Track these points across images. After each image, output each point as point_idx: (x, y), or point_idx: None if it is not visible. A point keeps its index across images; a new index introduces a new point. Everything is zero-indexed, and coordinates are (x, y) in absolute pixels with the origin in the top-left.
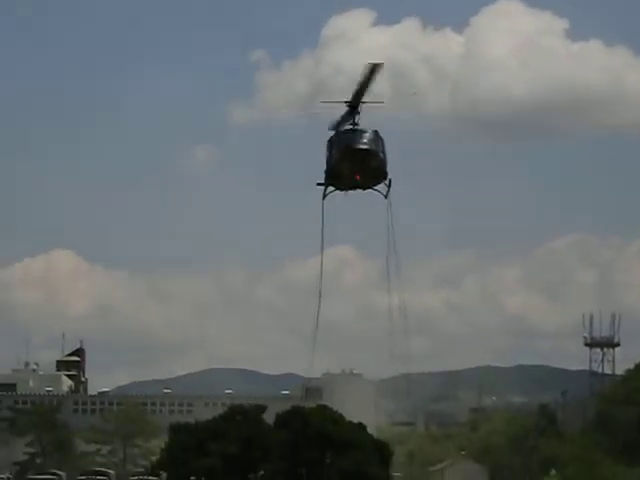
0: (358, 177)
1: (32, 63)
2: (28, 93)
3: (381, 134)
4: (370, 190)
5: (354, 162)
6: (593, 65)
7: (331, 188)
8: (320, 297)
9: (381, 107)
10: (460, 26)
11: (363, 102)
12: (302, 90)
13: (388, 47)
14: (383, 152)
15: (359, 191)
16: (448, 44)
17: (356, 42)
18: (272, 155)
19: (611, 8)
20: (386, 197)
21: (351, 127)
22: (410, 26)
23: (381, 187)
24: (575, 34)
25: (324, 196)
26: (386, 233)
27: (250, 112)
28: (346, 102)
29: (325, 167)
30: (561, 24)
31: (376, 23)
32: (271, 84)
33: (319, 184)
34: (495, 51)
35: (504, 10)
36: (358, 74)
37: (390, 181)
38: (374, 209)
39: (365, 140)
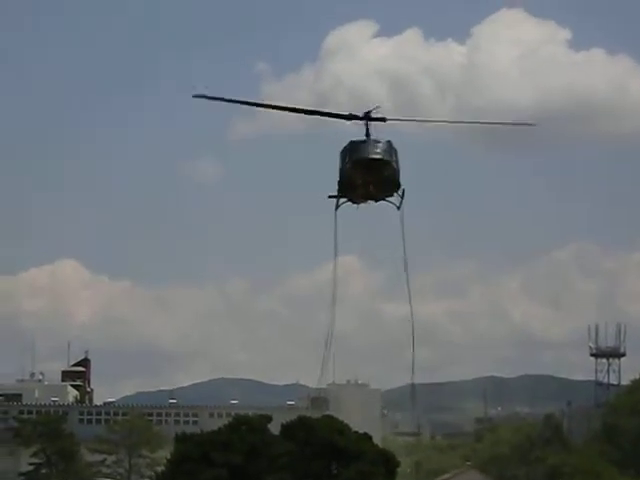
0: (371, 188)
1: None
2: (30, 101)
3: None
4: (383, 202)
5: (367, 172)
6: (596, 74)
7: (343, 199)
8: (334, 307)
9: (385, 117)
10: (462, 36)
11: (369, 112)
12: (305, 102)
13: (390, 58)
14: (397, 162)
15: (369, 202)
16: (450, 54)
17: (357, 54)
18: (275, 167)
19: (613, 17)
20: (399, 208)
21: (365, 137)
22: (412, 37)
23: (394, 198)
24: (577, 43)
25: (337, 207)
26: (392, 244)
27: (253, 125)
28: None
29: (338, 178)
30: (563, 33)
31: (378, 34)
32: (273, 96)
33: (331, 196)
34: (498, 61)
35: (506, 20)
36: (359, 85)
37: (403, 192)
38: (377, 220)
39: (379, 150)
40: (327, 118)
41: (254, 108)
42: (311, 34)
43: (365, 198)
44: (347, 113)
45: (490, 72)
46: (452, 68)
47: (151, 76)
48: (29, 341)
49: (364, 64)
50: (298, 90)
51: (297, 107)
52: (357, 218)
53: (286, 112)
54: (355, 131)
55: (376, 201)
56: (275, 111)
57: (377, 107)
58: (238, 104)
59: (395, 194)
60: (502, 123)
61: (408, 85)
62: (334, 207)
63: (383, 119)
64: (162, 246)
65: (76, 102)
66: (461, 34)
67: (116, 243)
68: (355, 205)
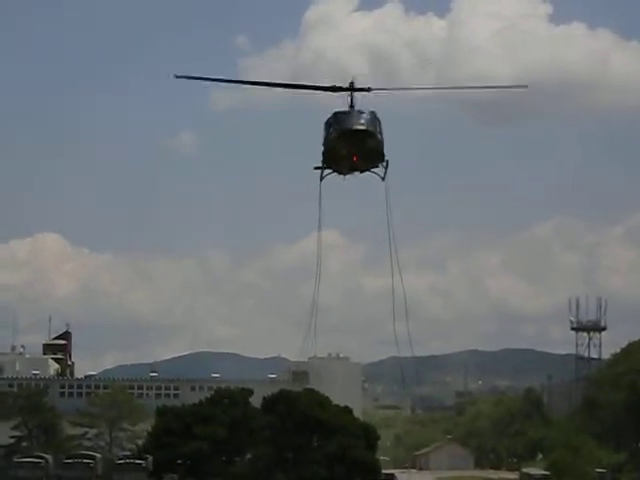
0: (355, 159)
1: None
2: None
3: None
4: (367, 173)
5: (352, 143)
6: (576, 48)
7: (328, 170)
8: (318, 280)
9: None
10: (442, 10)
11: (353, 83)
12: (285, 75)
13: (370, 32)
14: (380, 133)
15: (354, 173)
16: (431, 28)
17: (338, 27)
18: (258, 140)
19: None
20: (383, 179)
21: (348, 108)
22: (392, 11)
23: (378, 169)
24: (558, 17)
25: (321, 178)
26: (375, 218)
27: (233, 97)
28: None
29: (322, 149)
30: (544, 7)
31: (358, 8)
32: (253, 69)
33: (316, 168)
34: (478, 35)
35: None
36: (340, 59)
37: (387, 163)
38: (358, 194)
39: (363, 121)
40: (311, 91)
41: (233, 78)
42: (291, 8)
43: (350, 169)
44: (331, 85)
45: (470, 46)
46: (432, 42)
47: (129, 50)
48: (10, 314)
49: (345, 38)
50: (279, 64)
51: (280, 82)
52: (340, 192)
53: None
54: (338, 104)
55: (361, 172)
56: (261, 78)
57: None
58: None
59: (380, 165)
60: (492, 87)
61: (388, 59)
62: (319, 178)
63: (368, 89)
64: (144, 219)
65: (57, 78)
66: (441, 8)
67: (97, 216)
68: (341, 176)
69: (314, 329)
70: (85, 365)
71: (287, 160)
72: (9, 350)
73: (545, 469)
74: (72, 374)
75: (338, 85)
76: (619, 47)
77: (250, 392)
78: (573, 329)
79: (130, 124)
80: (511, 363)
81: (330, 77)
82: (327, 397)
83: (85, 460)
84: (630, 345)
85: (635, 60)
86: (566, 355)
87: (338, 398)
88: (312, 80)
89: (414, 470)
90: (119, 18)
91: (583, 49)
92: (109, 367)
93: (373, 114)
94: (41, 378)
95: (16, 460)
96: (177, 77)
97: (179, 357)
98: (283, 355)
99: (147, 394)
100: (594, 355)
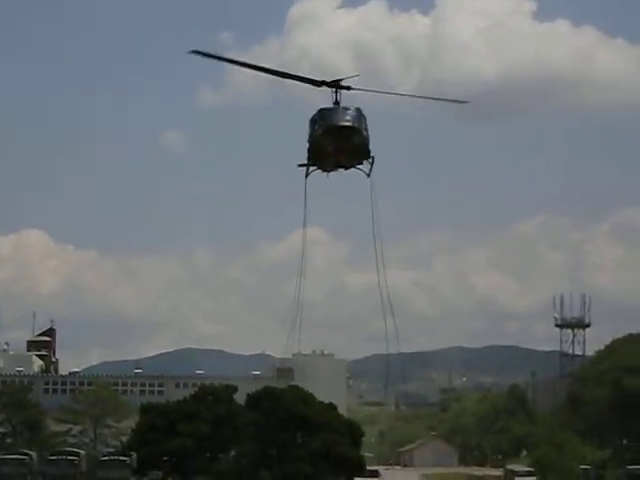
0: (341, 155)
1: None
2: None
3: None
4: (352, 170)
5: (337, 140)
6: (561, 45)
7: (313, 167)
8: (302, 277)
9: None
10: (426, 7)
11: (339, 80)
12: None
13: (354, 29)
14: (366, 130)
15: (339, 170)
16: (414, 25)
17: (322, 24)
18: (242, 137)
19: None
20: (369, 176)
21: (333, 105)
22: (376, 8)
23: (364, 166)
24: (542, 15)
25: (307, 175)
26: (359, 215)
27: (218, 95)
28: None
29: (307, 146)
30: (528, 5)
31: (342, 5)
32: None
33: (301, 165)
34: (462, 32)
35: None
36: (324, 56)
37: (373, 159)
38: (342, 191)
39: (348, 117)
40: (298, 84)
41: (222, 78)
42: (276, 5)
43: (335, 166)
44: (319, 79)
45: (454, 43)
46: (416, 39)
47: (113, 47)
48: None
49: (329, 35)
50: (263, 61)
51: (274, 69)
52: (325, 189)
53: (262, 75)
54: (322, 101)
55: (346, 169)
56: (246, 76)
57: (356, 75)
58: (229, 63)
59: (365, 162)
60: (435, 99)
61: (372, 56)
62: (304, 175)
63: (348, 87)
64: (128, 215)
65: (48, 75)
66: (425, 5)
67: (82, 213)
68: (325, 173)
69: (299, 326)
70: (69, 362)
71: (272, 158)
72: None
73: (529, 466)
74: (56, 371)
75: (323, 80)
76: (604, 44)
77: (234, 389)
78: (557, 326)
79: (117, 122)
80: (496, 360)
81: (314, 74)
82: (311, 394)
83: (69, 457)
84: (614, 342)
85: (620, 57)
86: (550, 352)
87: (322, 395)
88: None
89: (398, 467)
90: (100, 15)
91: (568, 46)
92: (93, 364)
93: (358, 111)
94: (25, 375)
95: (0, 457)
96: (191, 52)
97: (164, 354)
98: (268, 352)
99: (131, 391)
100: (578, 352)
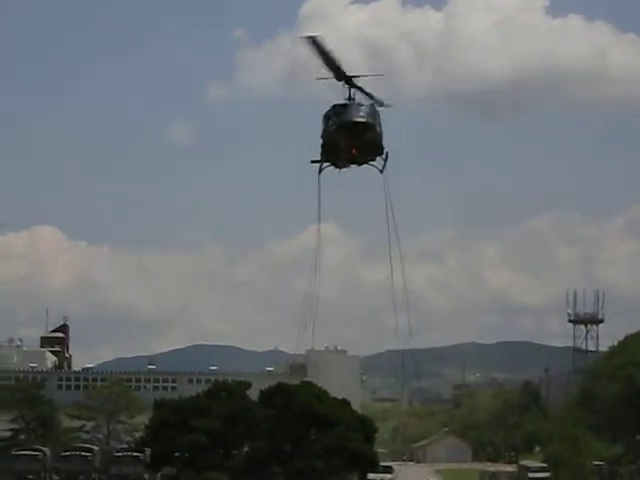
0: (354, 151)
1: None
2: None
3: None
4: (365, 166)
5: (351, 136)
6: (574, 41)
7: (326, 163)
8: (316, 272)
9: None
10: (439, 3)
11: (361, 76)
12: (282, 68)
13: (366, 25)
14: (380, 126)
15: (351, 166)
16: (427, 21)
17: (334, 20)
18: (254, 132)
19: None
20: (382, 172)
21: (347, 101)
22: (389, 3)
23: (377, 162)
24: (555, 10)
25: (320, 171)
26: (371, 210)
27: (230, 89)
28: (341, 77)
29: (321, 142)
30: (541, 0)
31: (355, 1)
32: (251, 62)
33: (314, 161)
34: (475, 27)
35: None
36: (337, 52)
37: (387, 155)
38: (356, 187)
39: (362, 113)
40: (311, 80)
41: (233, 71)
42: (288, 0)
43: (348, 162)
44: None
45: (467, 38)
46: (429, 34)
47: (125, 41)
48: (7, 307)
49: (341, 30)
50: (275, 57)
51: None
52: (336, 185)
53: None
54: (337, 97)
55: (359, 165)
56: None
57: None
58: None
59: (378, 158)
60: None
61: (385, 51)
62: (317, 172)
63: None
64: (141, 212)
65: (52, 63)
66: (438, 1)
67: (94, 209)
68: (337, 170)
69: (312, 322)
70: (83, 358)
71: (285, 153)
72: (6, 343)
73: (542, 461)
74: (70, 367)
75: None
76: (616, 39)
77: (248, 385)
78: (571, 321)
79: (127, 117)
80: (509, 355)
81: (326, 70)
82: (325, 390)
83: (83, 453)
84: (627, 338)
85: (632, 53)
86: (564, 348)
87: (336, 391)
88: (309, 73)
89: (411, 462)
90: (117, 11)
91: (580, 42)
92: (107, 360)
93: (372, 107)
94: (38, 371)
95: (14, 453)
96: (304, 37)
97: (177, 350)
98: (281, 348)
99: (145, 387)
100: (591, 348)
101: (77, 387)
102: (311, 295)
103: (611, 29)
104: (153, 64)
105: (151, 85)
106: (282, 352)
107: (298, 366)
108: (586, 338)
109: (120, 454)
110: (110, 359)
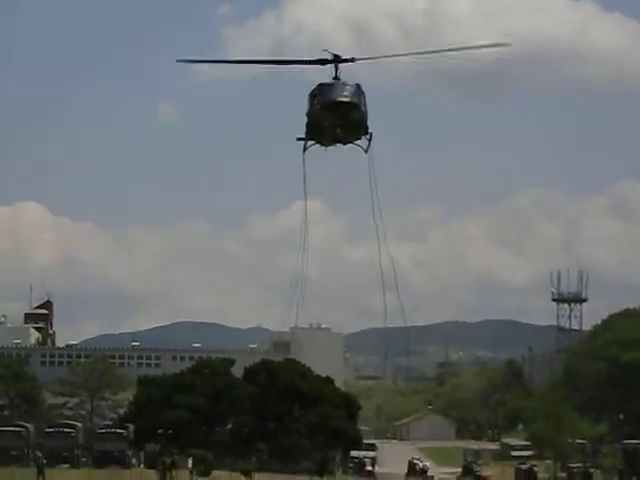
0: (339, 130)
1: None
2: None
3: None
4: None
5: (335, 115)
6: (558, 18)
7: (311, 142)
8: (303, 251)
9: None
10: None
11: (339, 56)
12: (265, 46)
13: (350, 3)
14: (364, 105)
15: (337, 145)
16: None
17: None
18: (237, 111)
19: None
20: (366, 151)
21: (333, 80)
22: None
23: (361, 142)
24: None
25: (304, 149)
26: (355, 189)
27: (215, 68)
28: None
29: (306, 120)
30: None
31: None
32: (234, 40)
33: (299, 139)
34: (458, 5)
35: None
36: (320, 31)
37: (371, 135)
38: (339, 164)
39: (347, 93)
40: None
41: (219, 50)
42: None
43: (333, 141)
44: (316, 58)
45: (451, 16)
46: (413, 13)
47: (116, 22)
48: None
49: (325, 9)
50: (259, 35)
51: (268, 59)
52: (322, 162)
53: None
54: (323, 76)
55: (344, 144)
56: (243, 49)
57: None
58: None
59: (363, 137)
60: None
61: (369, 30)
62: (302, 150)
63: (352, 59)
64: (124, 188)
65: (43, 51)
66: None
67: (78, 185)
68: (323, 148)
69: (296, 300)
70: (66, 334)
71: (269, 131)
72: None
73: (526, 439)
74: (53, 343)
75: (323, 58)
76: (600, 17)
77: (231, 362)
78: (554, 300)
79: (112, 92)
80: (492, 334)
81: (311, 49)
82: (308, 367)
83: (66, 429)
84: (611, 317)
85: (616, 31)
86: (547, 326)
87: (319, 368)
88: (294, 51)
89: (395, 440)
90: None
91: (564, 19)
92: (90, 337)
93: (358, 86)
94: (22, 347)
95: None
96: (178, 61)
97: (161, 327)
98: (264, 325)
99: (128, 363)
100: (575, 326)
101: (61, 363)
102: (297, 273)
103: (596, 7)
104: (140, 41)
105: (133, 60)
106: (266, 329)
107: (282, 343)
108: (570, 317)
109: (104, 431)
110: (94, 336)
